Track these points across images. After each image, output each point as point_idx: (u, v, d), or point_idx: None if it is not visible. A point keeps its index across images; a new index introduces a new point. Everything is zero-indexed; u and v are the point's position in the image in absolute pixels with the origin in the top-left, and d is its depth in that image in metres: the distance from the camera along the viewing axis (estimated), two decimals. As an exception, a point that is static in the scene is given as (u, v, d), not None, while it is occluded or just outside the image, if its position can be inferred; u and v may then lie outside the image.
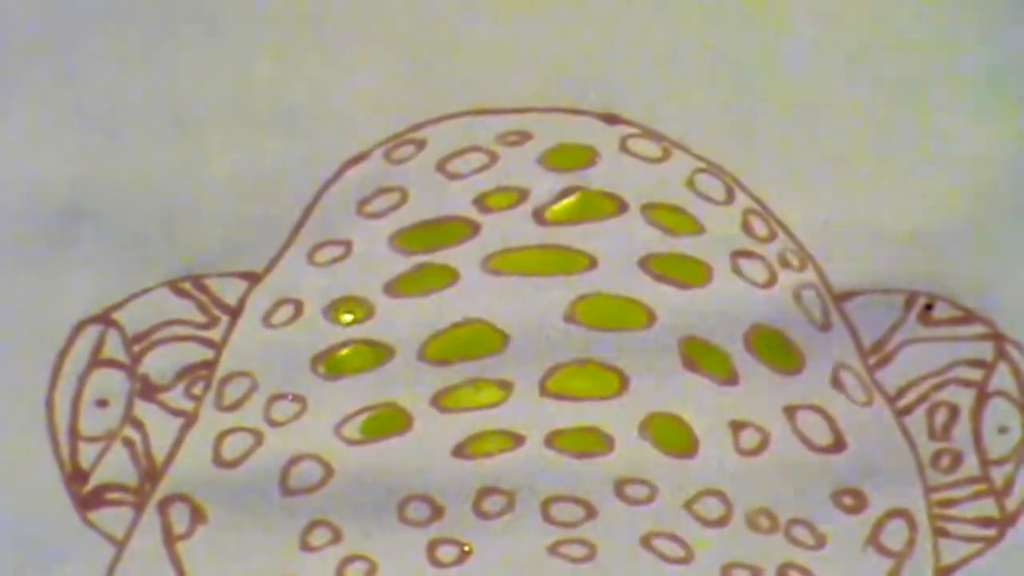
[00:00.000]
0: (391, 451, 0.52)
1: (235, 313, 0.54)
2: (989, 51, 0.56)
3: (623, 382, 0.53)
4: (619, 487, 0.52)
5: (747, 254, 0.54)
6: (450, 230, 0.54)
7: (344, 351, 0.53)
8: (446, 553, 0.52)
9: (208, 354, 0.53)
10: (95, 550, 0.52)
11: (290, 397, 0.53)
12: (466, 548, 0.52)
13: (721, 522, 0.52)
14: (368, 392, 0.52)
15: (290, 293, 0.54)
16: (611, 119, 0.55)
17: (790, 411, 0.53)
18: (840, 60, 0.56)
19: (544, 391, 0.52)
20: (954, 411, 0.53)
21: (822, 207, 0.54)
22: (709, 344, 0.53)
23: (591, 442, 0.52)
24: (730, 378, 0.53)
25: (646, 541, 0.51)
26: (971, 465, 0.53)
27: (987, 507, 0.52)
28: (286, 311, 0.53)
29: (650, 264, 0.54)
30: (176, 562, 0.52)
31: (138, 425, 0.53)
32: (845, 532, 0.52)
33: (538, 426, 0.52)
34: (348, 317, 0.53)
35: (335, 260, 0.54)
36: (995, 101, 0.56)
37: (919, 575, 0.52)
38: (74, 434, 0.53)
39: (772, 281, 0.54)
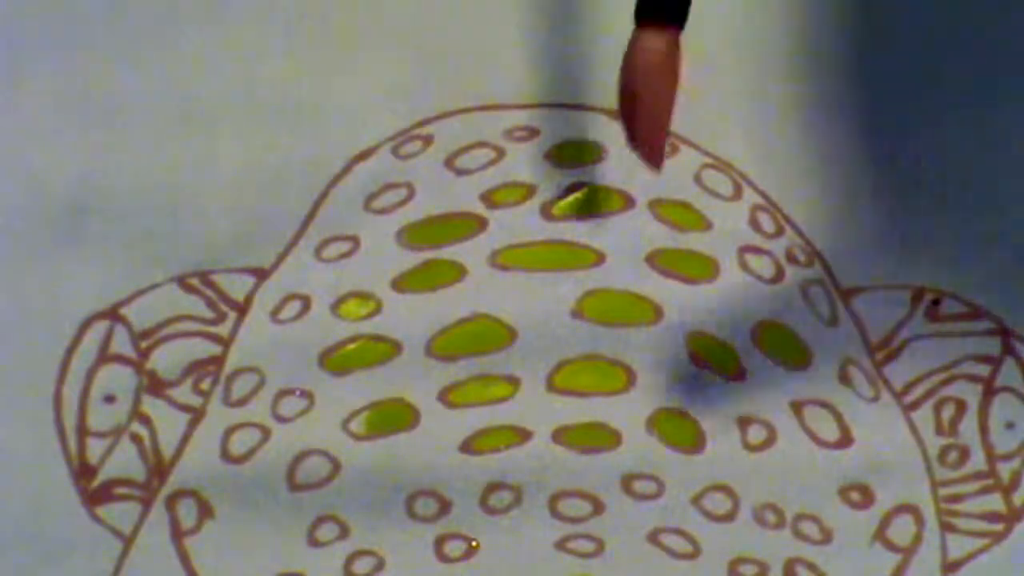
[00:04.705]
0: (398, 447, 0.52)
1: (243, 309, 0.54)
2: (990, 47, 0.56)
3: (630, 378, 0.53)
4: (626, 483, 0.52)
5: (754, 250, 0.54)
6: (457, 226, 0.54)
7: (352, 347, 0.53)
8: (454, 548, 0.52)
9: (216, 350, 0.53)
10: (103, 545, 0.52)
11: (298, 393, 0.53)
12: (474, 543, 0.52)
13: (728, 517, 0.52)
14: (376, 388, 0.52)
15: (298, 289, 0.54)
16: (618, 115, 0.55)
17: (797, 407, 0.53)
18: (845, 57, 0.56)
19: (551, 387, 0.53)
20: (961, 407, 0.53)
21: (829, 202, 0.54)
22: (716, 340, 0.53)
23: (598, 438, 0.52)
24: (737, 374, 0.53)
25: (653, 536, 0.52)
26: (978, 460, 0.53)
27: (994, 502, 0.52)
28: (294, 307, 0.53)
29: (657, 260, 0.54)
30: (184, 557, 0.52)
31: (146, 421, 0.53)
32: (852, 527, 0.52)
33: (545, 422, 0.52)
34: (360, 310, 0.53)
35: (343, 256, 0.54)
36: (997, 96, 0.56)
37: (926, 570, 0.52)
38: (82, 430, 0.53)
39: (779, 277, 0.54)
